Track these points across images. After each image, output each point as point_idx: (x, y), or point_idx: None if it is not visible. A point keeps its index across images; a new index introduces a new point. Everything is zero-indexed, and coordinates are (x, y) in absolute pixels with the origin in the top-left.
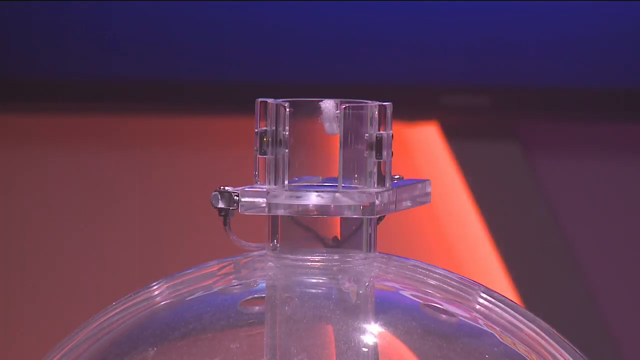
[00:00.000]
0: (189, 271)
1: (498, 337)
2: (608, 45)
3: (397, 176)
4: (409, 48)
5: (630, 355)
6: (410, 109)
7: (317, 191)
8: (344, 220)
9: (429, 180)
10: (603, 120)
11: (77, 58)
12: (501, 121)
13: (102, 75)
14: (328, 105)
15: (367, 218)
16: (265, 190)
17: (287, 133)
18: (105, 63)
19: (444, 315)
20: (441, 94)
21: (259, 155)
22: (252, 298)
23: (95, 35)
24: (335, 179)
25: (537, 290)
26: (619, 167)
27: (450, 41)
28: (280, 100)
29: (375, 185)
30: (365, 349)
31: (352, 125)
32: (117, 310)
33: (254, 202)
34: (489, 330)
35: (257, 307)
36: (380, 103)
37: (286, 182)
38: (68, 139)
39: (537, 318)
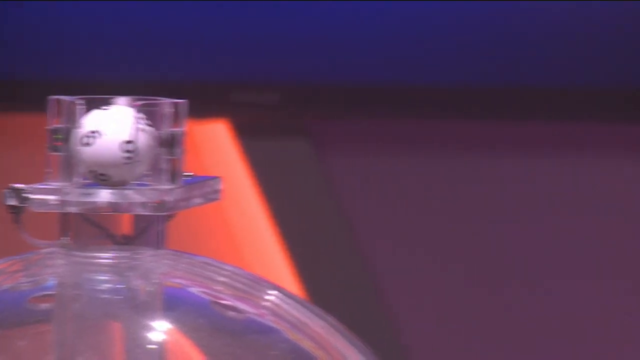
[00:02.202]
0: None
1: (285, 333)
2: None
3: (190, 173)
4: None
5: (418, 352)
6: (201, 106)
7: (108, 188)
8: (136, 218)
9: (219, 177)
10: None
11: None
12: (292, 119)
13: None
14: (122, 102)
15: (157, 215)
16: (57, 187)
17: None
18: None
19: (232, 312)
20: (233, 91)
21: (51, 153)
22: (41, 295)
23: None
24: None
25: (325, 287)
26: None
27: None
28: (74, 97)
29: (167, 183)
30: (152, 346)
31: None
32: None
33: (45, 199)
34: (276, 326)
35: (46, 305)
36: (175, 100)
37: (79, 180)
38: None
39: (326, 314)
